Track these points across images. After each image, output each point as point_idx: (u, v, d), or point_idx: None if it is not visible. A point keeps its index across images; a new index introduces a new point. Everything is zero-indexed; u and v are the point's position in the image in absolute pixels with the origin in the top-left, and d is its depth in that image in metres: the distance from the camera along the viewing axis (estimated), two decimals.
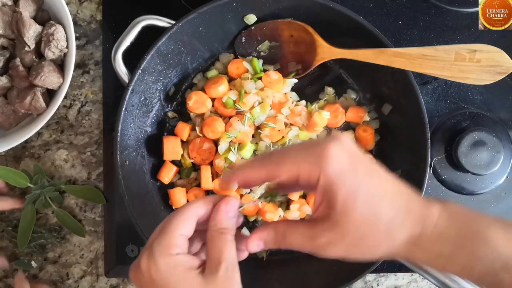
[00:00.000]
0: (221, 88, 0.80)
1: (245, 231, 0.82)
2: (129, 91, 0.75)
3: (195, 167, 0.83)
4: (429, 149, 0.74)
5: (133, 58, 0.75)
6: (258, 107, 0.80)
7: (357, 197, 0.45)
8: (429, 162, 0.74)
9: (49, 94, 0.82)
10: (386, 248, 0.47)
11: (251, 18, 0.80)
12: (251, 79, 0.81)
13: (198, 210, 0.50)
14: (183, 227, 0.48)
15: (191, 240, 0.51)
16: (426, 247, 0.47)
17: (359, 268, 0.74)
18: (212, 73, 0.83)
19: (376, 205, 0.45)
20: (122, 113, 0.75)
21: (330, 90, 0.84)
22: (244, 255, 0.53)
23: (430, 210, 0.47)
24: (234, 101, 0.80)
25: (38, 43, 0.80)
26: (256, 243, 0.50)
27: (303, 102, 0.83)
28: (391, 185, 0.47)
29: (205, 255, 0.50)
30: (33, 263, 0.86)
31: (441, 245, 0.46)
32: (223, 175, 0.49)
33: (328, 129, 0.83)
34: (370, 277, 0.86)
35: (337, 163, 0.44)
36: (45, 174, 0.85)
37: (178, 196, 0.80)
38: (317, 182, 0.45)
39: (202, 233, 0.51)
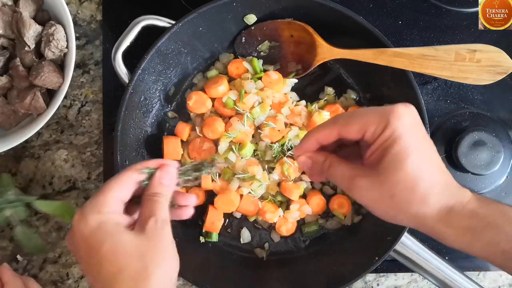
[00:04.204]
0: (221, 88, 0.80)
1: (245, 231, 0.82)
2: (129, 91, 0.75)
3: None
4: None
5: (133, 58, 0.75)
6: (258, 107, 0.80)
7: (410, 154, 0.49)
8: None
9: (49, 94, 0.82)
10: (417, 210, 0.50)
11: (251, 18, 0.80)
12: (251, 79, 0.81)
13: (137, 176, 0.53)
14: (117, 189, 0.51)
15: (134, 207, 0.55)
16: (455, 221, 0.50)
17: (359, 268, 0.74)
18: (212, 73, 0.83)
19: (423, 168, 0.49)
20: (122, 113, 0.75)
21: (330, 90, 0.84)
22: (189, 213, 0.58)
23: (463, 191, 0.51)
24: (234, 101, 0.80)
25: (38, 43, 0.80)
26: (305, 160, 0.55)
27: (303, 102, 0.83)
28: (438, 160, 0.51)
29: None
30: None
31: (471, 221, 0.49)
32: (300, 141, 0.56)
33: None
34: (370, 277, 0.86)
35: (404, 120, 0.49)
36: (13, 187, 0.76)
37: None
38: (381, 133, 0.49)
39: None
